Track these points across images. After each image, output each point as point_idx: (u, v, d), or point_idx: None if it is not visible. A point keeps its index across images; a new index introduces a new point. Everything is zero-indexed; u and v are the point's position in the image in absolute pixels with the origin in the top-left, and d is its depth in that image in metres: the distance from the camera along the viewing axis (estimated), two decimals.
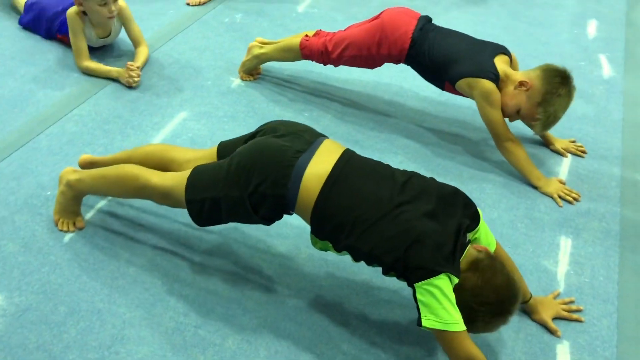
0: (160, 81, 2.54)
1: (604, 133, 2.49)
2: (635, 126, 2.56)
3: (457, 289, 1.35)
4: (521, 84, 2.03)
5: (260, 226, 1.82)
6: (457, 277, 1.35)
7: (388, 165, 1.56)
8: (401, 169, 1.56)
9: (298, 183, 1.45)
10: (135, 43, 2.62)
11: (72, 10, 2.43)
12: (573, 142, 2.38)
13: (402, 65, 2.34)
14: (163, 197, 1.64)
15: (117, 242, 1.79)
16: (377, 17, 2.30)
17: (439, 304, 1.32)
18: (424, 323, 1.34)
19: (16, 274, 1.67)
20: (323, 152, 1.50)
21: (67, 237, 1.79)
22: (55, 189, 1.92)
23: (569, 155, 2.33)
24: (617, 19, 3.39)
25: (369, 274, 1.76)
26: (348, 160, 1.51)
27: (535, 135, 2.28)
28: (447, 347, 1.37)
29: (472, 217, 1.47)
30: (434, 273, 1.32)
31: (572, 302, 1.74)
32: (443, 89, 2.26)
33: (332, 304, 1.67)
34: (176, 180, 1.60)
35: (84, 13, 2.45)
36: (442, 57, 2.16)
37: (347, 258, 1.53)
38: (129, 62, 2.46)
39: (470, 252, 1.42)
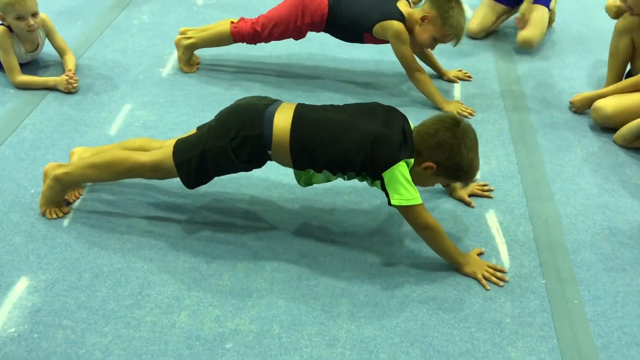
0: (96, 82, 2.74)
1: (481, 62, 3.06)
2: (505, 51, 3.15)
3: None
4: (422, 19, 2.49)
5: (234, 181, 2.16)
6: (412, 157, 1.77)
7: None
8: None
9: (271, 124, 1.80)
10: (61, 52, 2.79)
11: None
12: (460, 71, 2.92)
13: (321, 36, 2.72)
14: (153, 170, 1.90)
15: (112, 219, 2.02)
16: None
17: (401, 185, 1.73)
18: (393, 202, 1.75)
19: (33, 259, 1.87)
20: (284, 105, 1.88)
21: (66, 221, 2.00)
22: (35, 187, 2.11)
23: (459, 81, 2.87)
24: None
25: (334, 201, 2.14)
26: (304, 105, 1.89)
27: (433, 71, 2.85)
28: (409, 218, 1.80)
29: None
30: (395, 161, 1.73)
31: (485, 185, 2.23)
32: (363, 42, 2.69)
33: (311, 225, 2.04)
34: (162, 152, 1.88)
35: (11, 30, 2.58)
36: (356, 13, 2.58)
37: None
38: (67, 69, 2.64)
39: None
